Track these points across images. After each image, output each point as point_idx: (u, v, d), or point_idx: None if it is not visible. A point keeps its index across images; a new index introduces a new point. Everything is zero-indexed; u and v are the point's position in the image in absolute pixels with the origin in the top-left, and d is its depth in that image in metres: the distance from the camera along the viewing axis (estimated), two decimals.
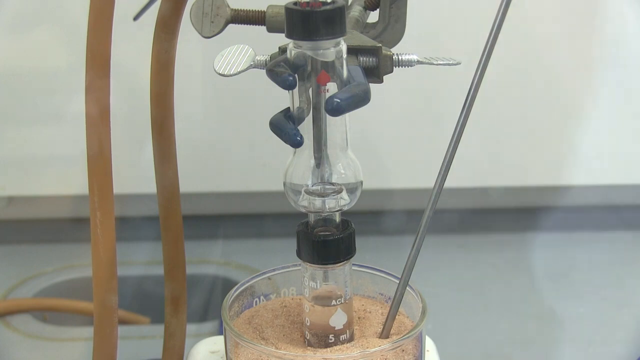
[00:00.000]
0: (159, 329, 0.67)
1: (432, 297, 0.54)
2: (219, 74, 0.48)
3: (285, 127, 0.47)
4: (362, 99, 0.46)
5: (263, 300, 0.56)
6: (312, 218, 0.50)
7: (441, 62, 0.51)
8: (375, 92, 0.47)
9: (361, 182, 0.50)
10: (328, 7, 0.45)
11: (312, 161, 0.49)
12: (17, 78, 0.99)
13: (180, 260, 0.64)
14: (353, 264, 0.52)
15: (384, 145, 1.02)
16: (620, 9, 0.97)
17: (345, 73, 0.47)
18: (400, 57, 0.50)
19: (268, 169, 1.02)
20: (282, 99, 0.49)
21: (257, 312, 0.54)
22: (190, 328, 0.72)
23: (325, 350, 0.51)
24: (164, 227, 0.63)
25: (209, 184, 1.05)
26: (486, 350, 0.86)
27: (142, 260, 1.00)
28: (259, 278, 0.56)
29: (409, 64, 0.51)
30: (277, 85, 0.46)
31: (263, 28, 0.56)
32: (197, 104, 0.99)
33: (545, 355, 0.85)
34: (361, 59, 0.50)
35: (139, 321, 0.95)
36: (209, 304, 0.95)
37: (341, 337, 0.51)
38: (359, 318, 0.54)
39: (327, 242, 0.49)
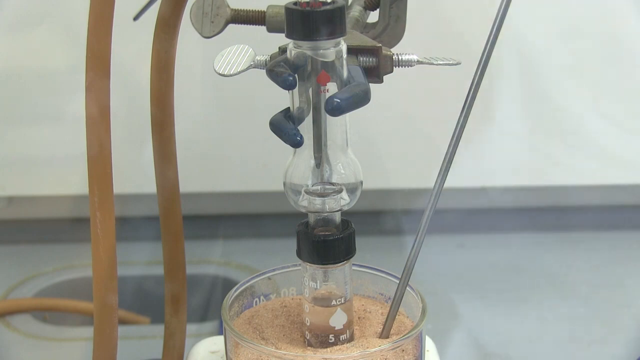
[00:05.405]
0: (159, 329, 0.67)
1: (432, 297, 0.53)
2: (219, 74, 0.48)
3: (285, 127, 0.47)
4: (362, 99, 0.46)
5: (263, 300, 0.56)
6: (312, 218, 0.50)
7: (441, 62, 0.51)
8: (375, 92, 0.47)
9: (361, 182, 0.50)
10: (328, 7, 0.45)
11: (312, 161, 0.49)
12: (17, 78, 0.99)
13: (180, 260, 0.64)
14: (353, 264, 0.52)
15: (384, 145, 1.02)
16: (620, 7, 0.97)
17: (345, 73, 0.47)
18: (400, 57, 0.50)
19: (268, 169, 1.02)
20: (282, 99, 0.49)
21: (257, 312, 0.54)
22: (190, 328, 0.72)
23: (325, 350, 0.51)
24: (164, 227, 0.63)
25: (209, 184, 1.04)
26: (486, 350, 0.86)
27: (142, 260, 1.00)
28: (259, 278, 0.56)
29: (409, 64, 0.51)
30: (277, 85, 0.46)
31: (263, 28, 0.56)
32: (197, 104, 0.99)
33: (546, 355, 0.85)
34: (361, 59, 0.50)
35: (139, 321, 0.95)
36: (209, 304, 0.95)
37: (341, 337, 0.51)
38: (359, 318, 0.54)
39: (327, 242, 0.49)
